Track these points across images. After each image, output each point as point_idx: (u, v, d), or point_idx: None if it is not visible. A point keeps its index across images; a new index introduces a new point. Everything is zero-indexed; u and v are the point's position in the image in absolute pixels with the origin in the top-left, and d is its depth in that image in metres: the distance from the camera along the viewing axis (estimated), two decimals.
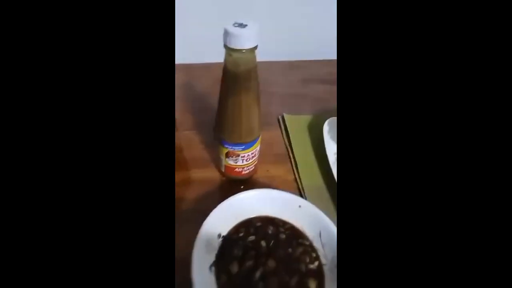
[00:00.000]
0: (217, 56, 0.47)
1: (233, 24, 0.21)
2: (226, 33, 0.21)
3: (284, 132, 0.38)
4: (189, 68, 0.51)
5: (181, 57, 0.40)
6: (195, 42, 0.48)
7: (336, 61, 0.52)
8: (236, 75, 0.23)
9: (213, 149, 0.36)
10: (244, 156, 0.28)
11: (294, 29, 0.52)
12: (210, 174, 0.34)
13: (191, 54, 0.50)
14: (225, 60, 0.23)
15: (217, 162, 0.33)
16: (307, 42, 0.54)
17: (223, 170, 0.31)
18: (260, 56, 0.23)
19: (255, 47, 0.21)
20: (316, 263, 0.25)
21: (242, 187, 0.31)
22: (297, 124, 0.39)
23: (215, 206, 0.26)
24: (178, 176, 0.33)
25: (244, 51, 0.21)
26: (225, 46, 0.21)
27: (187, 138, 0.38)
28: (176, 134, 0.38)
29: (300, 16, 0.50)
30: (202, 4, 0.47)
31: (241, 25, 0.21)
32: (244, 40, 0.21)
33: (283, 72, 0.50)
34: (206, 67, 0.50)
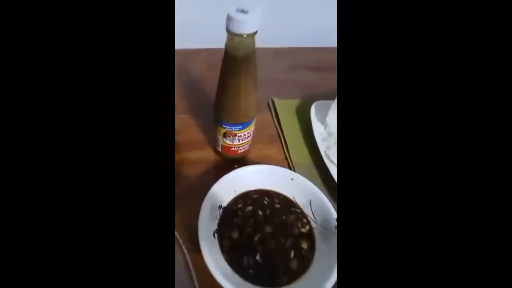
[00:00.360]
0: (207, 42, 0.48)
1: (236, 10, 0.22)
2: (229, 18, 0.22)
3: (274, 114, 0.41)
4: (180, 53, 0.51)
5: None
6: (184, 28, 0.48)
7: (322, 48, 0.55)
8: (237, 59, 0.25)
9: (208, 131, 0.38)
10: (240, 136, 0.31)
11: (281, 16, 0.53)
12: (206, 154, 0.36)
13: (181, 40, 0.50)
14: (226, 44, 0.24)
15: (213, 143, 0.35)
16: (294, 29, 0.56)
17: (219, 150, 0.33)
18: None
19: (255, 33, 0.23)
20: (307, 227, 0.28)
21: (236, 166, 0.34)
22: (286, 108, 0.41)
23: (212, 183, 0.28)
24: (177, 156, 0.35)
25: (245, 36, 0.23)
26: (227, 30, 0.23)
27: (183, 121, 0.39)
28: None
29: (287, 4, 0.52)
30: None
31: (243, 11, 0.22)
32: (245, 26, 0.22)
33: (271, 59, 0.52)
34: (196, 53, 0.50)
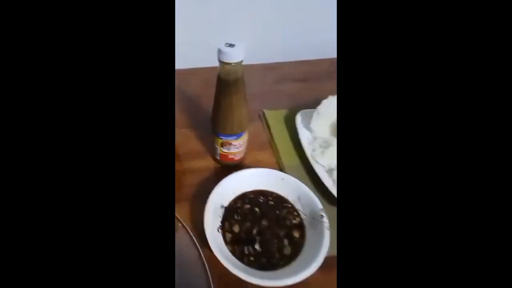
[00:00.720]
0: (200, 62, 0.54)
1: (225, 44, 0.28)
2: (220, 51, 0.28)
3: (265, 124, 0.46)
4: (177, 73, 0.56)
5: None
6: (179, 49, 0.54)
7: (304, 61, 0.61)
8: (228, 82, 0.30)
9: (206, 142, 0.43)
10: (235, 145, 0.36)
11: (267, 36, 0.59)
12: (206, 163, 0.40)
13: (177, 60, 0.56)
14: (219, 70, 0.30)
15: (212, 152, 0.40)
16: (279, 46, 0.62)
17: (218, 158, 0.38)
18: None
19: (241, 61, 0.29)
20: (298, 219, 0.33)
21: (233, 172, 0.39)
22: (275, 117, 0.47)
23: (213, 187, 0.33)
24: (179, 166, 0.40)
25: (233, 64, 0.28)
26: (219, 60, 0.28)
27: (184, 135, 0.44)
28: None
29: (272, 24, 0.58)
30: (183, 14, 0.53)
31: (231, 45, 0.28)
32: (233, 56, 0.28)
33: (260, 74, 0.58)
34: (191, 72, 0.56)
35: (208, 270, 0.26)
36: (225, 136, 0.34)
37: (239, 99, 0.32)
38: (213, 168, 0.40)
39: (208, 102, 0.50)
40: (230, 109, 0.32)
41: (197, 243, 0.28)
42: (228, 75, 0.29)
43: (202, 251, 0.27)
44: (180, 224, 0.29)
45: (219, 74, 0.30)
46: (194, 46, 0.54)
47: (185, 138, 0.43)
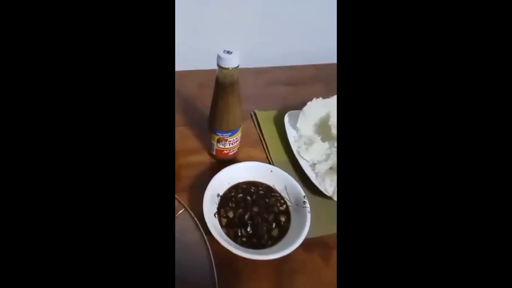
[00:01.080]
0: (195, 64, 0.57)
1: (223, 51, 0.32)
2: (219, 57, 0.32)
3: (256, 123, 0.50)
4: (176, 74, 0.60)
5: None
6: (177, 52, 0.58)
7: (291, 67, 0.66)
8: (224, 84, 0.34)
9: (203, 139, 0.46)
10: (230, 141, 0.40)
11: (260, 42, 0.64)
12: (203, 158, 0.44)
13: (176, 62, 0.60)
14: (217, 74, 0.34)
15: (209, 148, 0.44)
16: (269, 53, 0.66)
17: (214, 153, 0.42)
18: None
19: (237, 66, 0.33)
20: (284, 206, 0.37)
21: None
22: (266, 117, 0.51)
23: (209, 180, 0.37)
24: (179, 161, 0.43)
25: (230, 69, 0.33)
26: (218, 65, 0.33)
27: (182, 132, 0.48)
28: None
29: (263, 33, 0.63)
30: (180, 18, 0.57)
31: (229, 52, 0.32)
32: (230, 62, 0.32)
33: (252, 77, 0.62)
34: (187, 74, 0.60)
35: (210, 248, 0.30)
36: (221, 133, 0.39)
37: (235, 99, 0.36)
38: (209, 163, 0.44)
39: (203, 102, 0.54)
40: (226, 109, 0.36)
41: (200, 226, 0.32)
42: (225, 78, 0.34)
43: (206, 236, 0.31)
44: (183, 209, 0.33)
45: (217, 77, 0.34)
46: (189, 50, 0.57)
47: (183, 136, 0.47)
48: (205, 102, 0.53)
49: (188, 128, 0.48)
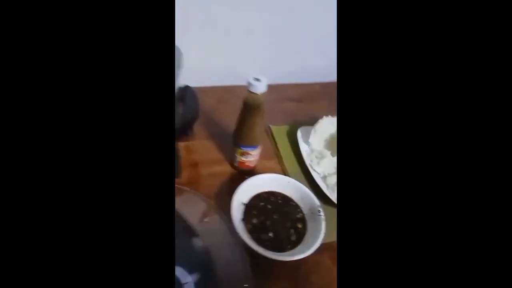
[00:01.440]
0: (212, 81, 0.62)
1: (253, 78, 0.37)
2: (249, 83, 0.37)
3: (271, 138, 0.55)
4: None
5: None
6: (196, 69, 0.62)
7: (299, 84, 0.71)
8: (253, 106, 0.39)
9: (223, 151, 0.51)
10: (252, 154, 0.45)
11: (268, 62, 0.70)
12: (224, 168, 0.49)
13: (194, 79, 0.64)
14: (246, 97, 0.39)
15: (231, 160, 0.48)
16: (278, 70, 0.72)
17: (236, 165, 0.47)
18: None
19: (264, 92, 0.38)
20: (301, 214, 0.42)
21: (246, 176, 0.47)
22: (279, 132, 0.56)
23: (230, 188, 0.41)
24: (202, 171, 0.48)
25: (258, 94, 0.38)
26: (248, 90, 0.38)
27: (204, 144, 0.52)
28: (194, 142, 0.52)
29: (272, 53, 0.69)
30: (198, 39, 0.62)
31: (257, 79, 0.37)
32: (258, 88, 0.37)
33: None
34: (203, 91, 0.64)
35: (244, 249, 0.34)
36: (245, 147, 0.43)
37: (259, 119, 0.41)
38: (230, 173, 0.48)
39: (221, 117, 0.59)
40: (252, 127, 0.41)
41: (234, 229, 0.36)
42: (253, 101, 0.39)
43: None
44: (216, 214, 0.37)
45: (246, 99, 0.39)
46: (206, 68, 0.62)
47: (206, 148, 0.52)
48: (223, 116, 0.58)
49: (209, 141, 0.53)
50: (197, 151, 0.51)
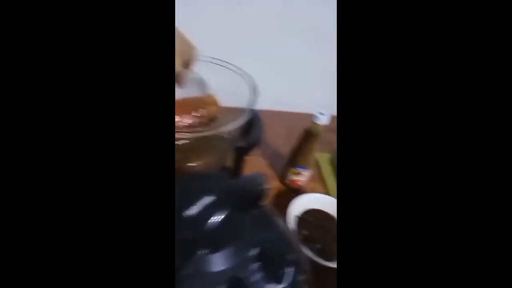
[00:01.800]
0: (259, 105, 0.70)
1: (319, 112, 0.45)
2: (316, 117, 0.45)
3: (316, 163, 0.63)
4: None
5: None
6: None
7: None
8: (313, 134, 0.47)
9: (273, 169, 0.58)
10: (304, 175, 0.52)
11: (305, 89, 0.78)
12: (274, 184, 0.56)
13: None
14: (310, 126, 0.47)
15: (281, 177, 0.55)
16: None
17: (287, 182, 0.54)
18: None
19: (326, 123, 0.46)
20: None
21: (293, 194, 0.54)
22: (323, 159, 0.64)
23: (278, 201, 0.47)
24: None
25: (321, 125, 0.46)
26: (313, 122, 0.46)
27: (256, 161, 0.60)
28: (248, 157, 0.60)
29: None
30: None
31: (321, 113, 0.45)
32: (322, 120, 0.45)
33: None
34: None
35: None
36: (300, 168, 0.51)
37: (316, 145, 0.48)
38: (279, 188, 0.55)
39: (272, 138, 0.67)
40: (309, 151, 0.49)
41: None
42: (315, 130, 0.47)
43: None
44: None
45: (310, 127, 0.47)
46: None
47: (257, 164, 0.59)
48: (271, 138, 0.65)
49: (260, 158, 0.61)
50: (250, 166, 0.58)
